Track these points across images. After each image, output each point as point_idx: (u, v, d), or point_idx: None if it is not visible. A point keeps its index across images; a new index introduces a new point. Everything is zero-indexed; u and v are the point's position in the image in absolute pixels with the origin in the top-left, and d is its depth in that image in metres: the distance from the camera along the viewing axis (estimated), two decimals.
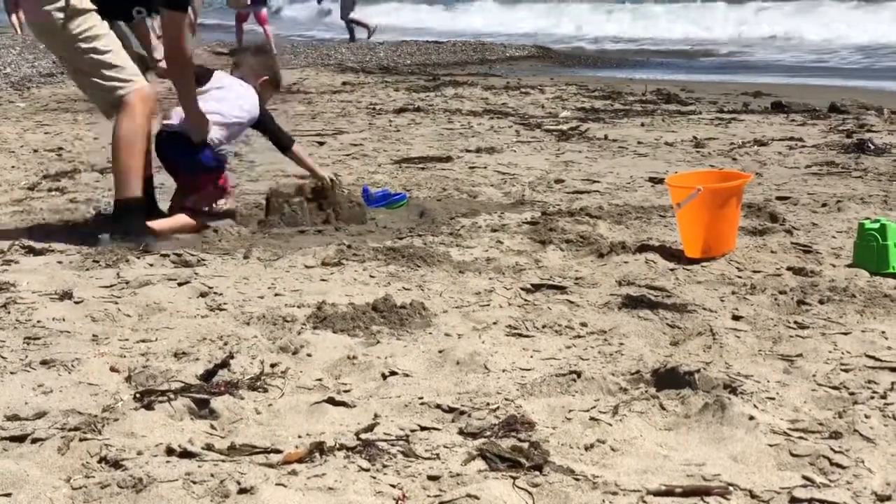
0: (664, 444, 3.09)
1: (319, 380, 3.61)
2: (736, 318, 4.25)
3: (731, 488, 2.73)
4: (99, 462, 2.91)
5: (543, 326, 4.21)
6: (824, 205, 6.51)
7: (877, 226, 4.90)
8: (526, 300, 4.58)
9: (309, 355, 3.84)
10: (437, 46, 25.21)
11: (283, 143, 6.40)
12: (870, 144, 8.91)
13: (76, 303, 4.49)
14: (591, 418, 3.21)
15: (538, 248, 5.47)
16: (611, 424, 3.16)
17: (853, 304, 4.40)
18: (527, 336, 4.10)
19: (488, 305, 4.49)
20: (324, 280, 4.89)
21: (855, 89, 14.73)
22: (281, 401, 3.41)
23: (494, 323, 4.23)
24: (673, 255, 5.24)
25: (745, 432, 3.07)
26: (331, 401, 3.37)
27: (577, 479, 2.78)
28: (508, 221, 6.12)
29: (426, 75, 17.73)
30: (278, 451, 2.99)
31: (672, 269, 5.01)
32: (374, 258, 5.24)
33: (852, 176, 7.65)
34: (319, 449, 2.95)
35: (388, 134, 10.45)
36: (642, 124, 10.87)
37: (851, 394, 3.40)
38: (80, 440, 3.01)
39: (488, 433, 3.11)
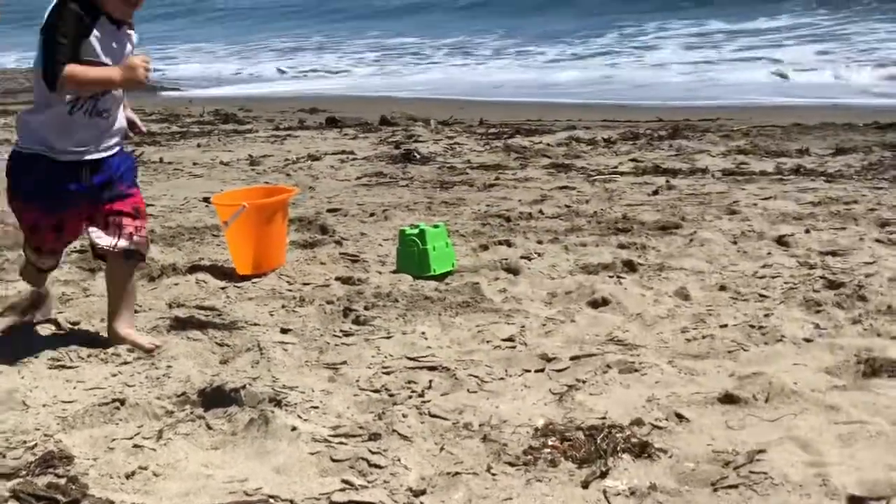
0: (209, 463, 3.06)
1: None
2: (284, 331, 4.30)
3: (271, 500, 2.75)
4: None
5: (88, 356, 4.05)
6: (372, 214, 6.74)
7: (416, 231, 5.13)
8: None
9: None
10: None
11: None
12: (416, 154, 9.35)
13: None
14: (135, 445, 3.13)
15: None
16: (155, 449, 3.10)
17: (396, 308, 4.57)
18: (70, 367, 3.93)
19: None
20: None
21: (403, 101, 15.39)
22: None
23: (36, 356, 4.03)
24: (225, 273, 5.24)
25: (287, 443, 3.11)
26: None
27: None
28: None
29: None
30: None
31: (223, 288, 5.00)
32: None
33: (399, 185, 7.98)
34: None
35: None
36: (198, 145, 10.81)
37: (391, 395, 3.53)
38: None
39: (24, 472, 2.96)
